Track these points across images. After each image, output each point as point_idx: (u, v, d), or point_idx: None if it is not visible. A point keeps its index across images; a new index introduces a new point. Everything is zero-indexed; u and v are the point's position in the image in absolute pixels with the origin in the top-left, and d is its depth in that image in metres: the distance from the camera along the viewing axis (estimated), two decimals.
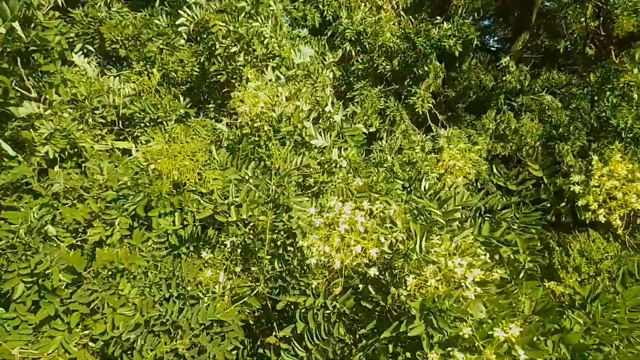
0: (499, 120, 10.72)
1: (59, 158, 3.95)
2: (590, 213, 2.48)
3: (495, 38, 16.50)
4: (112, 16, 5.25)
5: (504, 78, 10.49)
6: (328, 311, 2.31)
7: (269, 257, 2.62)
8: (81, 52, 4.81)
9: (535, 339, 2.17)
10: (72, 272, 2.60)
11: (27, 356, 2.44)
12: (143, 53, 5.02)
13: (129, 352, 2.42)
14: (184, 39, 4.72)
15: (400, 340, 1.94)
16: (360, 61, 8.03)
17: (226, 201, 2.42)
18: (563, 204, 2.68)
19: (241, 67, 4.77)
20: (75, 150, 4.02)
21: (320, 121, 3.67)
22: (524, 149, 9.61)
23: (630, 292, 2.16)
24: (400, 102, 8.40)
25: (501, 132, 10.72)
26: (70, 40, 5.20)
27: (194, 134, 4.52)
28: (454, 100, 12.85)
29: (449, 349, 1.74)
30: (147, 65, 5.01)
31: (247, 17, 4.53)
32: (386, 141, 8.29)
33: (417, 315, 1.80)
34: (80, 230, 3.52)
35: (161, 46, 5.14)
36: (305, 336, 2.32)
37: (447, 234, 2.19)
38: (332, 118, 3.80)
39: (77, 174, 3.79)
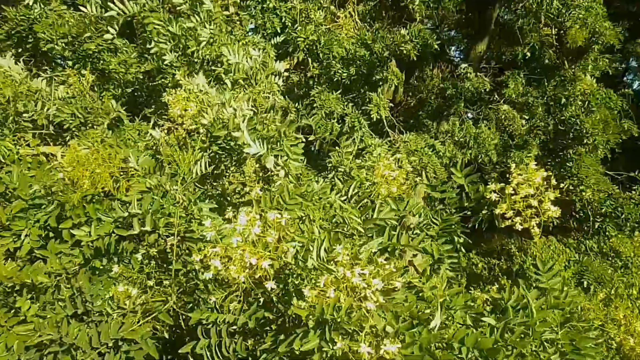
0: (458, 128, 10.88)
1: None
2: (507, 221, 2.46)
3: (460, 48, 16.81)
4: (49, 15, 5.01)
5: (462, 85, 10.62)
6: (234, 327, 2.19)
7: (183, 270, 2.48)
8: (10, 52, 4.56)
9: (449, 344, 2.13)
10: None
11: None
12: (79, 53, 4.81)
13: None
14: (114, 34, 4.52)
15: (297, 356, 1.84)
16: (316, 67, 7.98)
17: (126, 213, 2.28)
18: (484, 211, 2.65)
19: (175, 69, 4.61)
20: None
21: (258, 128, 3.55)
22: (479, 157, 9.75)
23: (534, 293, 2.14)
24: (359, 109, 8.39)
25: (460, 140, 10.86)
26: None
27: (126, 139, 4.33)
28: (415, 107, 12.97)
29: None
30: (82, 67, 4.80)
31: (184, 17, 4.37)
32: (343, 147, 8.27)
33: (312, 329, 1.71)
34: None
35: (100, 45, 4.93)
36: (205, 353, 2.20)
37: (357, 242, 2.11)
38: (272, 125, 3.70)
39: None
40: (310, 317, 1.76)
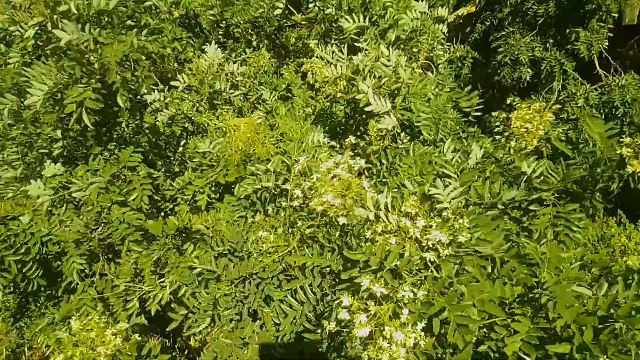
0: None
1: (185, 135, 4.98)
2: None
3: None
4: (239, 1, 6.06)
5: None
6: (325, 269, 2.60)
7: (302, 221, 2.98)
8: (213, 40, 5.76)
9: None
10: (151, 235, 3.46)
11: None
12: (259, 33, 5.74)
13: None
14: (281, 7, 5.20)
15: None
16: (509, 5, 7.36)
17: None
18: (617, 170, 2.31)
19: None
20: (198, 128, 4.98)
21: (383, 85, 3.72)
22: None
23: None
24: (562, 50, 7.42)
25: None
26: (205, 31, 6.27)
27: (291, 107, 5.05)
28: None
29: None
30: (263, 45, 5.71)
31: None
32: (542, 95, 7.50)
33: (370, 269, 1.99)
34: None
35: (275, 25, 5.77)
36: (299, 291, 2.67)
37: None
38: (400, 78, 3.80)
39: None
40: (361, 258, 2.04)
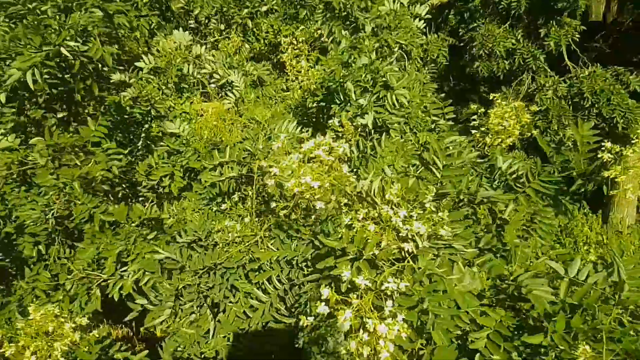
0: None
1: (149, 119, 4.84)
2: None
3: None
4: None
5: None
6: (293, 260, 2.61)
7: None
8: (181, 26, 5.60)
9: None
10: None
11: None
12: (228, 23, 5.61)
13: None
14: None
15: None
16: None
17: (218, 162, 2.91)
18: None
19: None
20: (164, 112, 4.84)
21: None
22: None
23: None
24: (534, 42, 7.55)
25: None
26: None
27: (267, 95, 4.99)
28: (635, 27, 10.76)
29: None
30: (233, 31, 5.59)
31: None
32: (511, 86, 7.64)
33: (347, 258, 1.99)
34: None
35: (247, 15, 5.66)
36: (266, 282, 2.67)
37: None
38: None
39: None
40: (337, 246, 2.03)
